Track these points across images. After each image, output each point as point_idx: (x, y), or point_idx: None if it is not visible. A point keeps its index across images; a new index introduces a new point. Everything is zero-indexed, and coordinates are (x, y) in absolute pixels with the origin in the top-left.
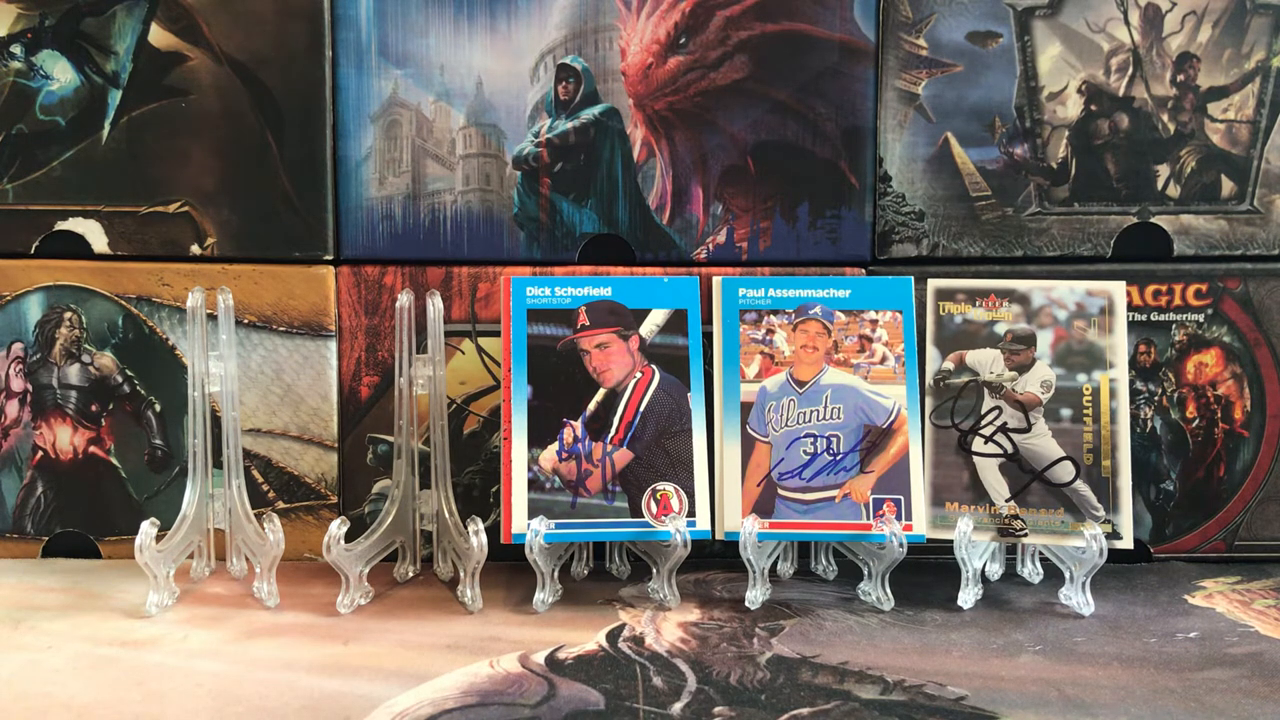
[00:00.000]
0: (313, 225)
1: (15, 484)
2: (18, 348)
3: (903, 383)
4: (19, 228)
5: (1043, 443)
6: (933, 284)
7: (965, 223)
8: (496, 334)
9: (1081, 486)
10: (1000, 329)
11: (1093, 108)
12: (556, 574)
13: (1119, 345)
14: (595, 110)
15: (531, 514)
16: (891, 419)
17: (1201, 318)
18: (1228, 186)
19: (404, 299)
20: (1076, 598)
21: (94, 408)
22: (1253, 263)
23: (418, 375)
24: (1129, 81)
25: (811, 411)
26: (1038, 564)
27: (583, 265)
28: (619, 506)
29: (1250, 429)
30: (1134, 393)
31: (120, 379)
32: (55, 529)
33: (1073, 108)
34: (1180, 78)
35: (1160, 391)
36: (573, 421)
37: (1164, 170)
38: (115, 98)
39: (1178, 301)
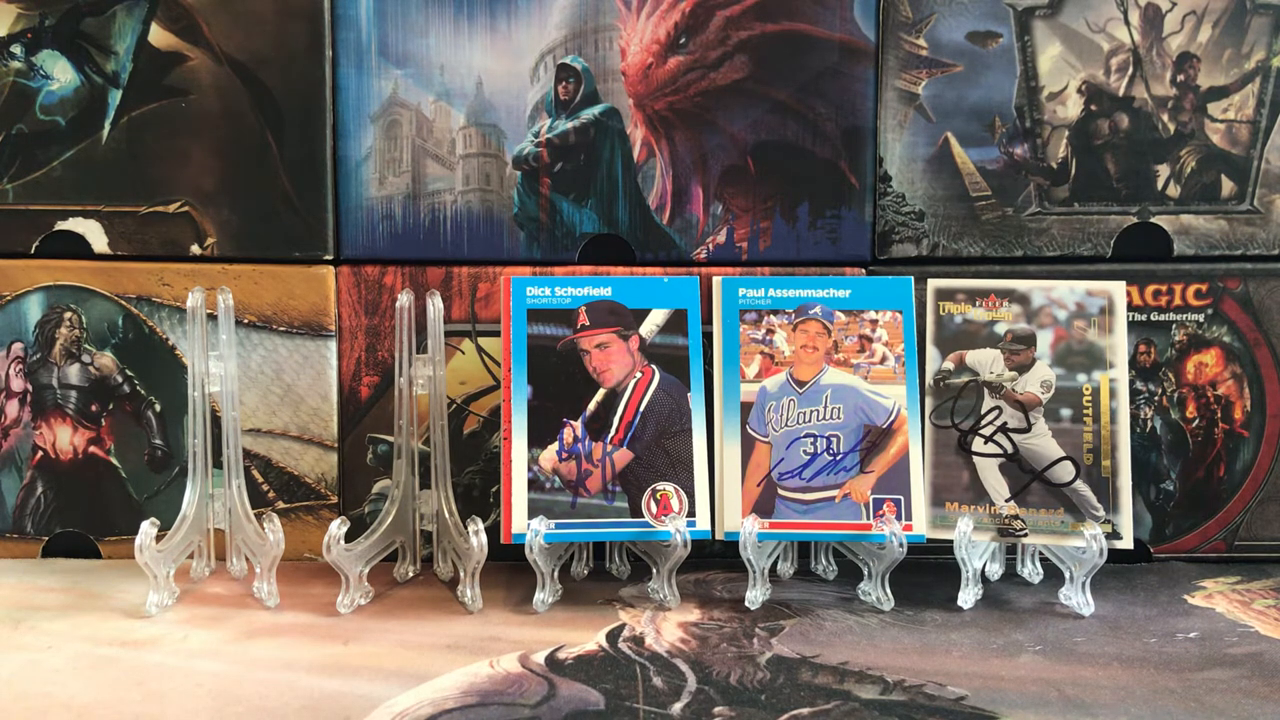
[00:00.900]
0: (313, 225)
1: (15, 484)
2: (18, 348)
3: (903, 383)
4: (19, 228)
5: (1043, 443)
6: (933, 284)
7: (965, 223)
8: (496, 334)
9: (1081, 486)
10: (1000, 329)
11: (1093, 108)
12: (556, 574)
13: (1119, 345)
14: (595, 110)
15: (531, 514)
16: (891, 419)
17: (1201, 318)
18: (1228, 186)
19: (404, 299)
20: (1076, 598)
21: (94, 408)
22: (1253, 263)
23: (418, 375)
24: (1129, 81)
25: (811, 411)
26: (1038, 564)
27: (583, 265)
28: (619, 506)
29: (1250, 429)
30: (1134, 393)
31: (120, 379)
32: (55, 529)
33: (1073, 108)
34: (1180, 78)
35: (1160, 391)
36: (573, 421)
37: (1164, 170)
38: (115, 98)
39: (1178, 301)
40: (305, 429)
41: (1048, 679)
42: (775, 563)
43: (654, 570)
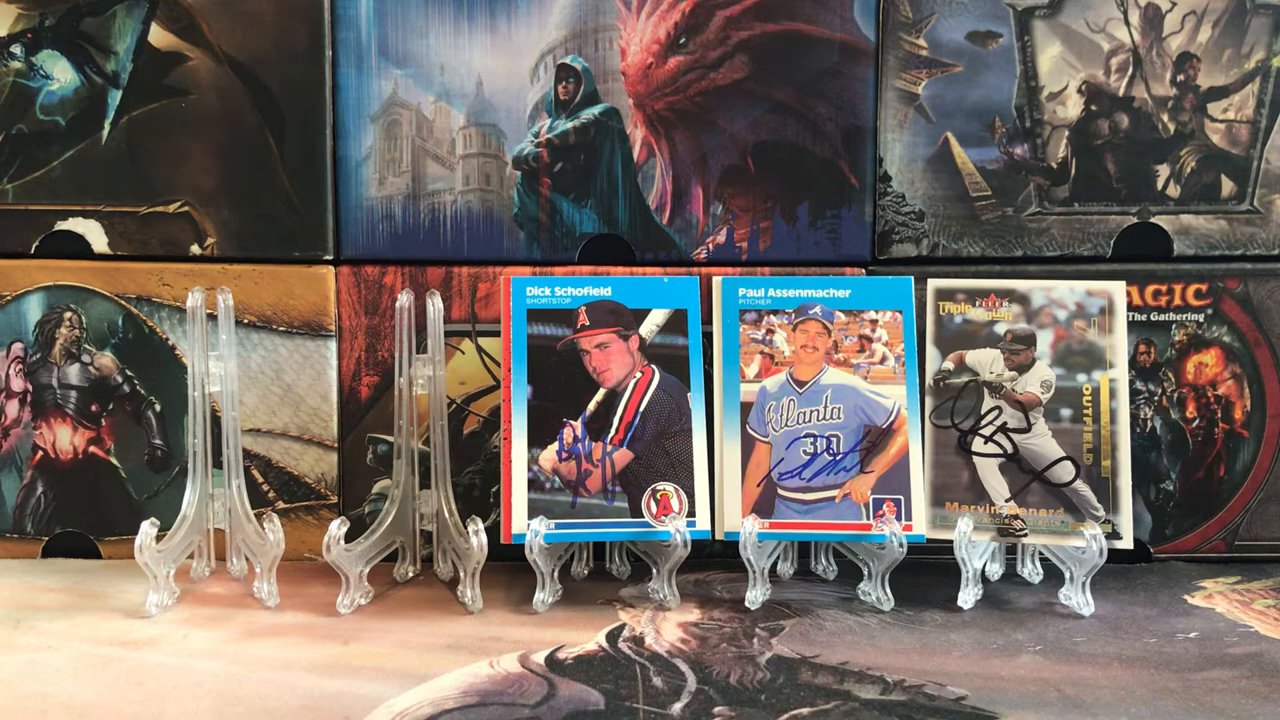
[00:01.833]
0: (313, 225)
1: (15, 484)
2: (18, 348)
3: (903, 383)
4: (19, 228)
5: (1043, 443)
6: (933, 284)
7: (965, 223)
8: (496, 334)
9: (1081, 486)
10: (1000, 329)
11: (1093, 108)
12: (556, 574)
13: (1119, 345)
14: (595, 110)
15: (531, 514)
16: (891, 419)
17: (1201, 318)
18: (1228, 186)
19: (404, 299)
20: (1076, 598)
21: (94, 408)
22: (1253, 263)
23: (418, 375)
24: (1129, 81)
25: (811, 411)
26: (1038, 564)
27: (583, 265)
28: (619, 506)
29: (1250, 429)
30: (1134, 393)
31: (120, 379)
32: (55, 529)
33: (1073, 108)
34: (1180, 78)
35: (1160, 391)
36: (573, 421)
37: (1164, 170)
38: (115, 98)
39: (1178, 301)
40: (305, 429)
41: (1048, 679)
42: (775, 563)
43: (654, 570)
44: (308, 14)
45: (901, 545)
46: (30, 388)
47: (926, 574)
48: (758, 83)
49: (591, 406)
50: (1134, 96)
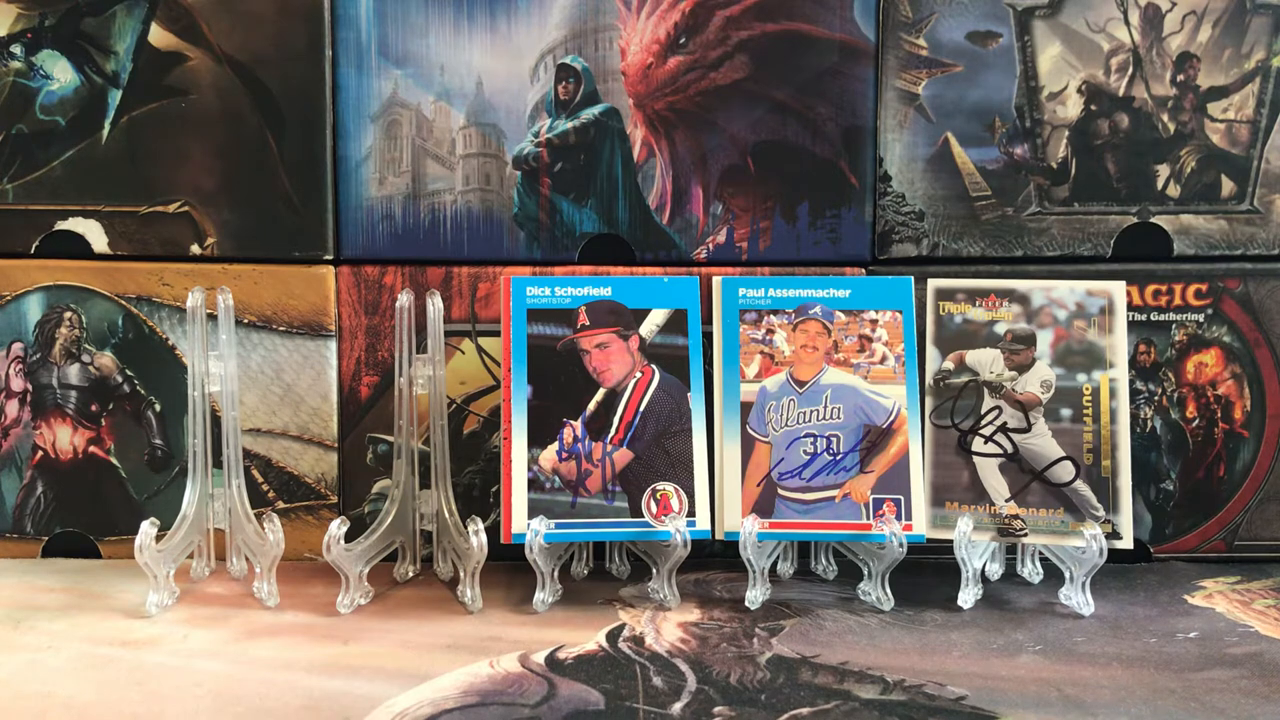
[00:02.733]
0: (313, 225)
1: (15, 484)
2: (18, 348)
3: (903, 383)
4: (19, 228)
5: (1043, 443)
6: (933, 284)
7: (965, 223)
8: (496, 334)
9: (1081, 486)
10: (1000, 329)
11: (1093, 108)
12: (556, 574)
13: (1119, 345)
14: (595, 110)
15: (531, 514)
16: (891, 419)
17: (1201, 318)
18: (1228, 186)
19: (404, 299)
20: (1076, 598)
21: (94, 408)
22: (1253, 263)
23: (418, 375)
24: (1129, 81)
25: (811, 411)
26: (1038, 564)
27: (583, 265)
28: (619, 506)
29: (1250, 429)
30: (1134, 393)
31: (120, 379)
32: (55, 529)
33: (1073, 108)
34: (1180, 78)
35: (1160, 391)
36: (573, 421)
37: (1164, 170)
38: (115, 98)
39: (1178, 301)
40: (305, 429)
41: (1048, 679)
42: (775, 563)
43: (654, 570)
44: (308, 14)
45: (901, 545)
46: (30, 388)
47: (926, 574)
48: (758, 83)
49: (591, 406)
50: (1134, 96)
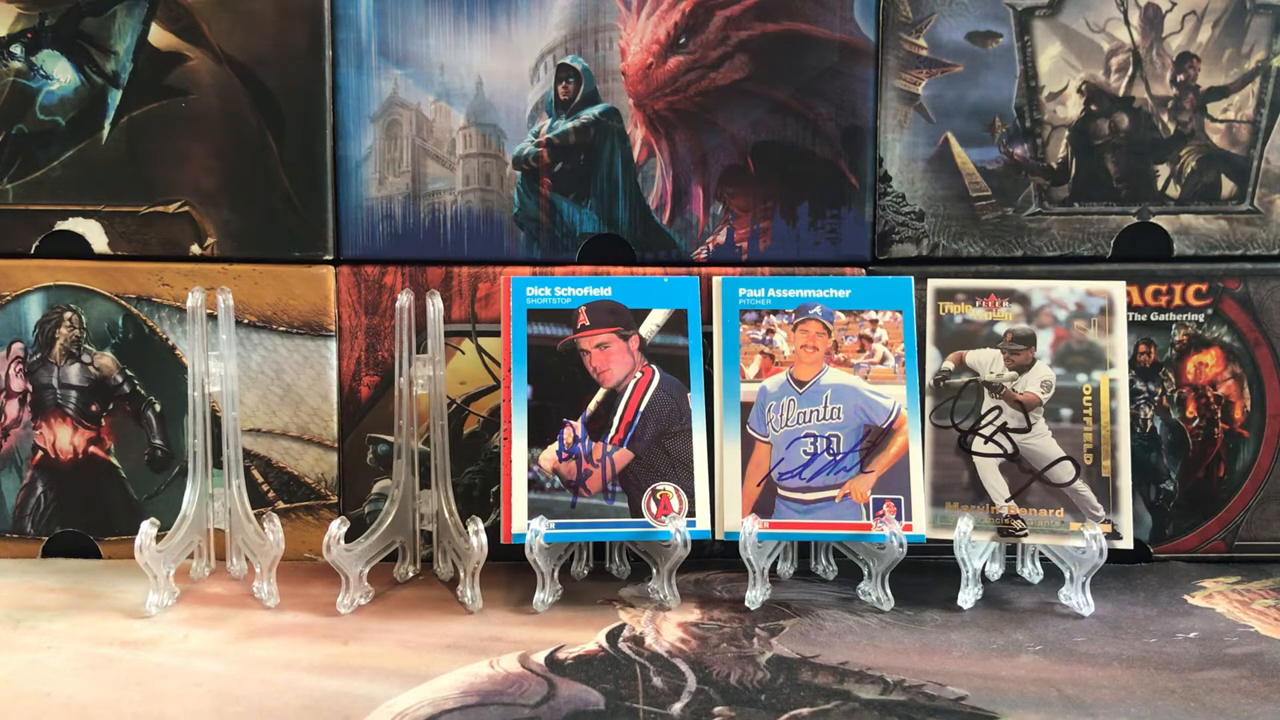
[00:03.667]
0: (313, 225)
1: (15, 484)
2: (18, 348)
3: (903, 383)
4: (19, 228)
5: (1043, 443)
6: (933, 284)
7: (965, 223)
8: (496, 334)
9: (1081, 486)
10: (1000, 329)
11: (1093, 108)
12: (556, 574)
13: (1119, 345)
14: (595, 110)
15: (531, 514)
16: (891, 419)
17: (1201, 318)
18: (1228, 186)
19: (404, 299)
20: (1076, 598)
21: (94, 408)
22: (1253, 263)
23: (418, 375)
24: (1129, 81)
25: (811, 411)
26: (1038, 564)
27: (583, 265)
28: (619, 506)
29: (1250, 429)
30: (1134, 393)
31: (120, 379)
32: (55, 529)
33: (1073, 108)
34: (1180, 78)
35: (1160, 391)
36: (573, 421)
37: (1164, 170)
38: (115, 98)
39: (1178, 301)
40: (305, 429)
41: (1048, 679)
42: (775, 563)
43: (654, 570)
44: (308, 14)
45: (901, 545)
46: (30, 388)
47: (926, 574)
48: (758, 83)
49: (591, 406)
50: (1134, 96)
